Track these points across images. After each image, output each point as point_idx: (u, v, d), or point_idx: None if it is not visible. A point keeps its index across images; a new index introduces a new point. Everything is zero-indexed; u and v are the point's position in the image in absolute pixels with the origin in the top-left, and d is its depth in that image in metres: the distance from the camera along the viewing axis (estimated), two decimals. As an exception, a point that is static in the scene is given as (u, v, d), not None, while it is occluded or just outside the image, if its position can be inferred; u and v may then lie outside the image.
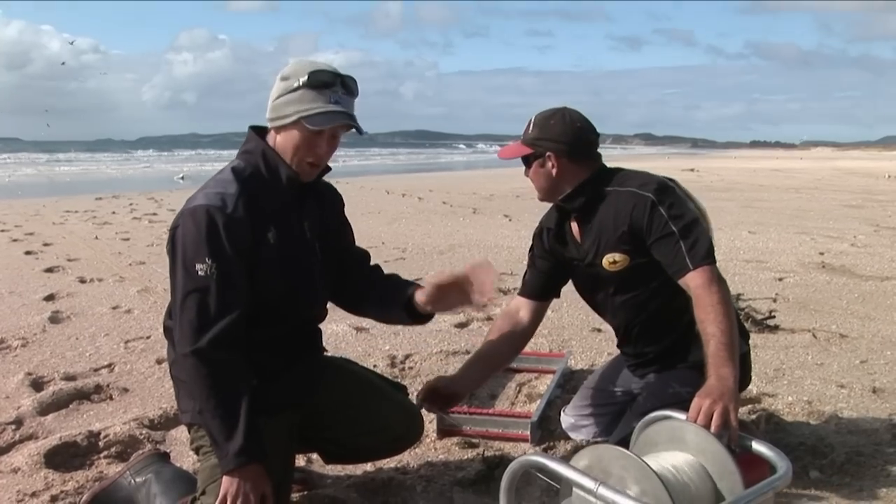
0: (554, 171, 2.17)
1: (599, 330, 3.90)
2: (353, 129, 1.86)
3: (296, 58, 1.85)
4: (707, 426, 1.62)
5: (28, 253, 6.80)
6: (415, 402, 2.25)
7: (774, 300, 4.67)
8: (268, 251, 1.82)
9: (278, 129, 1.85)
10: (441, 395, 2.27)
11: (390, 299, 2.04)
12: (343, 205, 2.14)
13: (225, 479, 1.71)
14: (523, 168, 2.24)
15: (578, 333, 3.93)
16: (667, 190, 2.09)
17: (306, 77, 1.78)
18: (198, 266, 1.73)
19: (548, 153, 2.16)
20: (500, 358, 2.46)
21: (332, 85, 1.79)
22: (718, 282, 1.96)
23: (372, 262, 2.17)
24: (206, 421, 1.74)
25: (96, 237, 6.92)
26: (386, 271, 2.16)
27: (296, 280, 1.88)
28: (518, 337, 2.40)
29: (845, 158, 42.10)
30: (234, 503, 1.69)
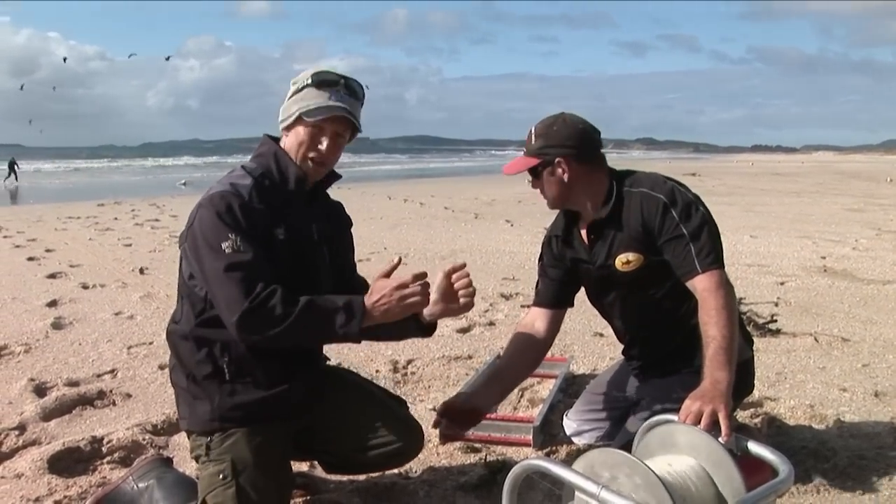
0: (566, 177, 2.15)
1: (601, 335, 3.90)
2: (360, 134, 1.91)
3: (301, 64, 1.90)
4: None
5: (30, 259, 6.82)
6: (434, 417, 2.21)
7: (776, 304, 4.67)
8: (276, 246, 1.82)
9: (286, 130, 1.90)
10: (459, 410, 2.20)
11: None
12: (351, 226, 2.15)
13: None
14: (525, 177, 2.22)
15: (580, 338, 3.93)
16: (678, 193, 2.10)
17: (310, 78, 1.86)
18: (223, 245, 1.73)
19: (557, 159, 2.13)
20: (519, 371, 2.42)
21: (335, 84, 1.85)
22: (725, 286, 1.97)
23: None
24: (320, 331, 1.77)
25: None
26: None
27: (302, 277, 1.86)
28: (536, 348, 2.36)
29: (847, 162, 42.09)
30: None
